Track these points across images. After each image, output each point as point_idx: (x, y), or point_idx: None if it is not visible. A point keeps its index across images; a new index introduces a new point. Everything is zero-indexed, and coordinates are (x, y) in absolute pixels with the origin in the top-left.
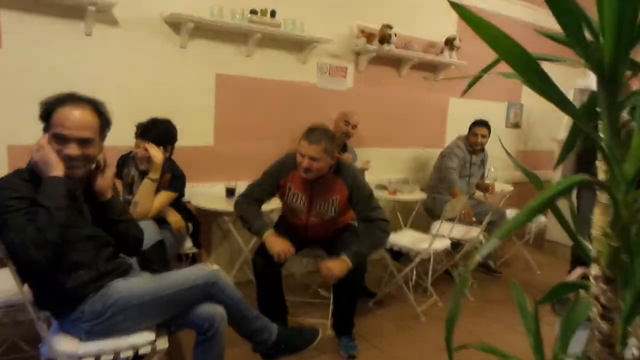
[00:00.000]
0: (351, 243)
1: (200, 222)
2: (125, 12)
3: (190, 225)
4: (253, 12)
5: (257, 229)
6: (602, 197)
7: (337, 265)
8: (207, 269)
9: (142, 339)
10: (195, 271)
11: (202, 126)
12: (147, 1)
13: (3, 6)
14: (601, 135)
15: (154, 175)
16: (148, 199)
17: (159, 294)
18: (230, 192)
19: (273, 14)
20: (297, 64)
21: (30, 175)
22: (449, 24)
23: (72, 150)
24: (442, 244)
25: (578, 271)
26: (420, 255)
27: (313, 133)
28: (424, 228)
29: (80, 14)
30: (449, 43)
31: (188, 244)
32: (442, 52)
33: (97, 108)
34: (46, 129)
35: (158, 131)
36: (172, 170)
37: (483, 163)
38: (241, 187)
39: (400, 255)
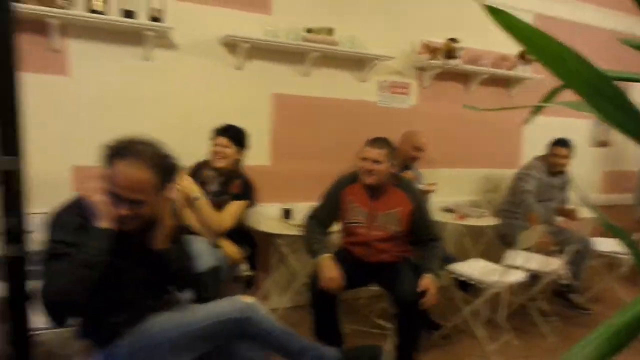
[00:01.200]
0: (402, 281)
1: (258, 244)
2: (182, 36)
3: (247, 247)
4: (309, 30)
5: (314, 250)
6: None
7: (430, 285)
8: (242, 302)
9: None
10: (229, 304)
11: (259, 146)
12: (203, 24)
13: (70, 36)
14: None
15: (194, 194)
16: (213, 216)
17: (190, 328)
18: (286, 213)
19: (330, 32)
20: (356, 82)
21: (84, 207)
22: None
23: (123, 211)
24: (517, 276)
25: None
26: (492, 288)
27: (375, 140)
28: (496, 257)
29: (140, 40)
30: (524, 56)
31: (244, 266)
32: (515, 65)
33: (156, 163)
34: (105, 168)
35: (236, 131)
36: (242, 177)
37: (565, 186)
38: (298, 208)
39: (467, 286)
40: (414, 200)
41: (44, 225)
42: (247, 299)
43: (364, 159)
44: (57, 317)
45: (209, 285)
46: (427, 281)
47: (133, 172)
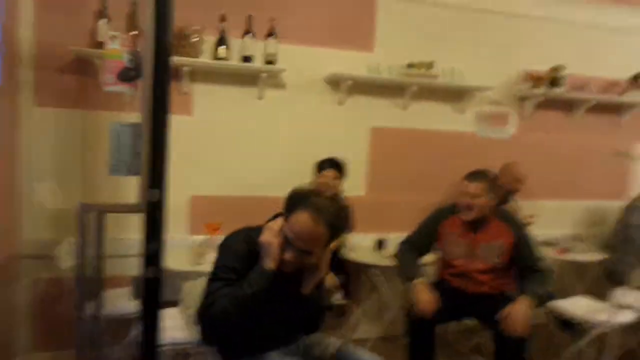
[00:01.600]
0: None
1: (350, 273)
2: (291, 76)
3: (341, 276)
4: (410, 65)
5: (409, 274)
6: None
7: (520, 309)
8: None
9: None
10: None
11: (355, 177)
12: (311, 64)
13: (196, 80)
14: None
15: None
16: None
17: None
18: (380, 244)
19: (430, 65)
20: (454, 114)
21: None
22: (635, 59)
23: (289, 256)
24: (627, 316)
25: None
26: (599, 328)
27: (474, 173)
28: (602, 295)
29: (254, 81)
30: (637, 80)
31: (338, 295)
32: (627, 90)
33: (332, 221)
34: (285, 216)
35: (340, 163)
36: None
37: None
38: (391, 239)
39: (570, 325)
40: (516, 231)
41: (215, 248)
42: None
43: (463, 193)
44: (209, 335)
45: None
46: (519, 305)
47: (311, 225)
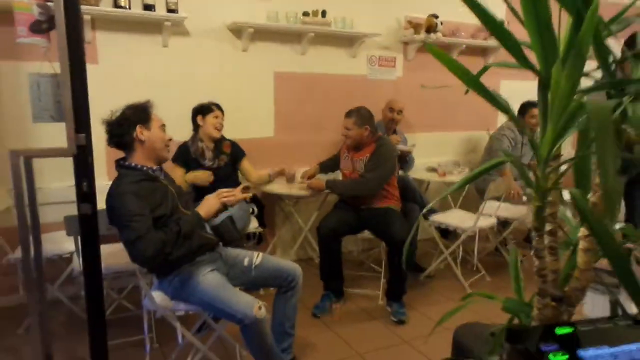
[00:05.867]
0: (393, 225)
1: (265, 204)
2: (194, 24)
3: (254, 207)
4: (305, 13)
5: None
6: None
7: (316, 182)
8: (255, 312)
9: None
10: (246, 304)
11: (263, 120)
12: (212, 13)
13: (98, 28)
14: None
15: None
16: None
17: (209, 300)
18: (290, 178)
19: (324, 13)
20: (348, 58)
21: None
22: (497, 8)
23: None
24: (488, 222)
25: None
26: (466, 232)
27: (349, 111)
28: (476, 209)
29: (158, 29)
30: None
31: (254, 223)
32: (490, 36)
33: None
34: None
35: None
36: (226, 139)
37: None
38: (299, 173)
39: (448, 233)
40: (377, 148)
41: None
42: (260, 311)
43: (342, 127)
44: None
45: (230, 231)
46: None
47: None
